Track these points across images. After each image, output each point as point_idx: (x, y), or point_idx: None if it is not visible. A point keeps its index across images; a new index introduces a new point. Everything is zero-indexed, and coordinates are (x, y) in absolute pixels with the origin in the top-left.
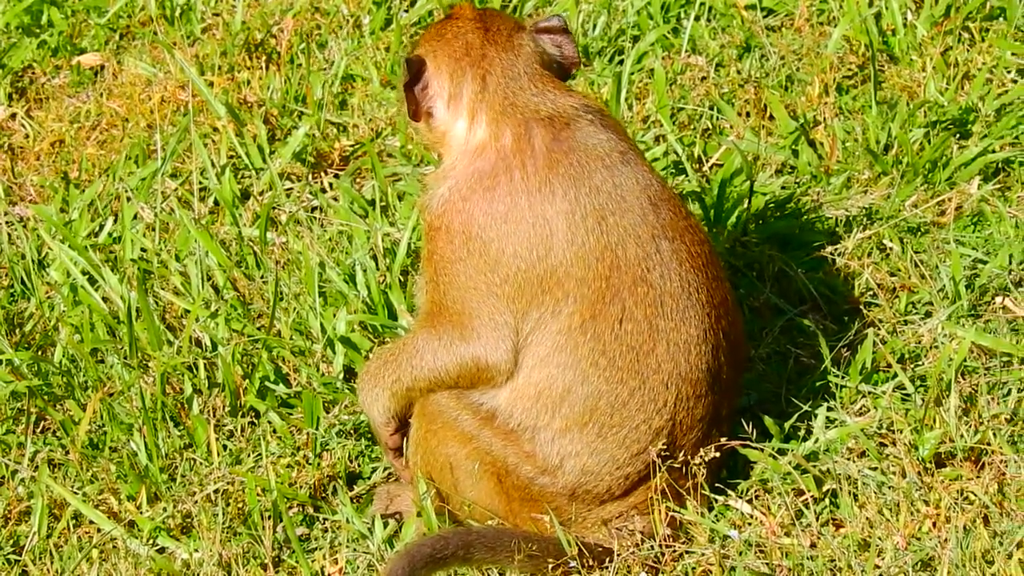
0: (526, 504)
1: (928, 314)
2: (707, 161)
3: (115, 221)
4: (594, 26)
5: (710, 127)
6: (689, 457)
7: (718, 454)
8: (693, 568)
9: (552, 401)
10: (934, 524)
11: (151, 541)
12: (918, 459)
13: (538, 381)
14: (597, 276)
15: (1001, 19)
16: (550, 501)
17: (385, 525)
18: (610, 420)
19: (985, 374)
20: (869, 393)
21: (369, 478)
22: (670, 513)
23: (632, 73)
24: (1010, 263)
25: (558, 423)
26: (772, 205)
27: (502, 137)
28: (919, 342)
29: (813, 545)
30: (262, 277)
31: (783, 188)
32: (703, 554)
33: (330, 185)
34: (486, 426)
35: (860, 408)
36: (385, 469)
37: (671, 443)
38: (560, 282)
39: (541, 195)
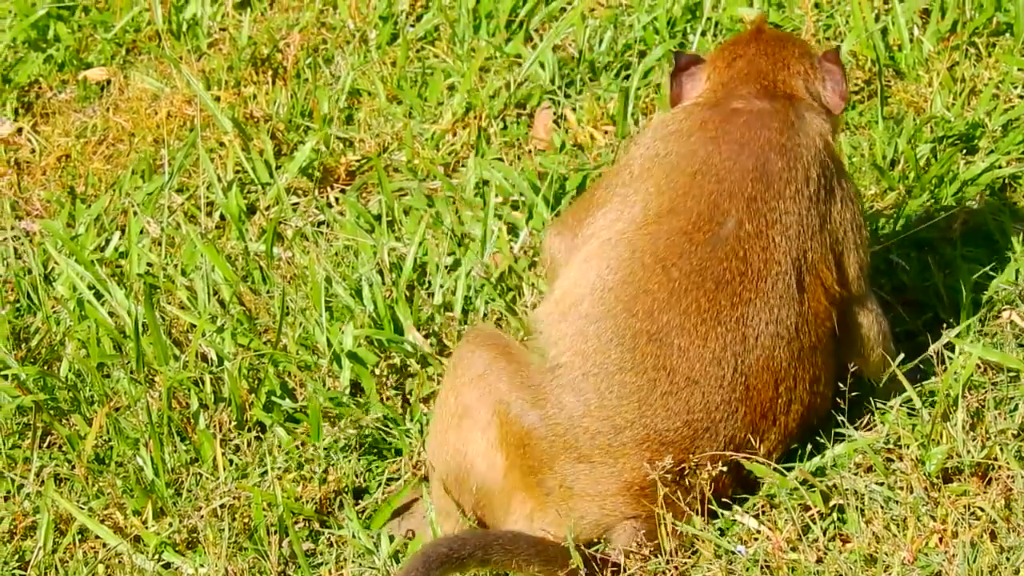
0: (525, 472)
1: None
2: None
3: (121, 236)
4: (600, 41)
5: None
6: (696, 472)
7: (725, 468)
8: None
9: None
10: (941, 539)
11: (157, 556)
12: (925, 474)
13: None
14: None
15: (1008, 35)
16: (542, 451)
17: (391, 540)
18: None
19: (992, 389)
20: (876, 408)
21: (375, 493)
22: (677, 528)
23: (639, 88)
24: (1017, 278)
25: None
26: None
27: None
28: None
29: (820, 560)
30: (268, 292)
31: None
32: (709, 569)
33: (336, 200)
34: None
35: (867, 423)
36: (389, 482)
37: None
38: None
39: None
